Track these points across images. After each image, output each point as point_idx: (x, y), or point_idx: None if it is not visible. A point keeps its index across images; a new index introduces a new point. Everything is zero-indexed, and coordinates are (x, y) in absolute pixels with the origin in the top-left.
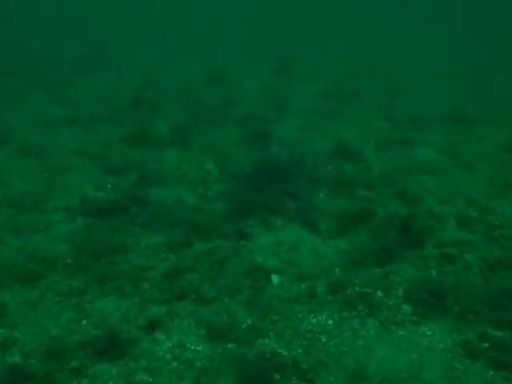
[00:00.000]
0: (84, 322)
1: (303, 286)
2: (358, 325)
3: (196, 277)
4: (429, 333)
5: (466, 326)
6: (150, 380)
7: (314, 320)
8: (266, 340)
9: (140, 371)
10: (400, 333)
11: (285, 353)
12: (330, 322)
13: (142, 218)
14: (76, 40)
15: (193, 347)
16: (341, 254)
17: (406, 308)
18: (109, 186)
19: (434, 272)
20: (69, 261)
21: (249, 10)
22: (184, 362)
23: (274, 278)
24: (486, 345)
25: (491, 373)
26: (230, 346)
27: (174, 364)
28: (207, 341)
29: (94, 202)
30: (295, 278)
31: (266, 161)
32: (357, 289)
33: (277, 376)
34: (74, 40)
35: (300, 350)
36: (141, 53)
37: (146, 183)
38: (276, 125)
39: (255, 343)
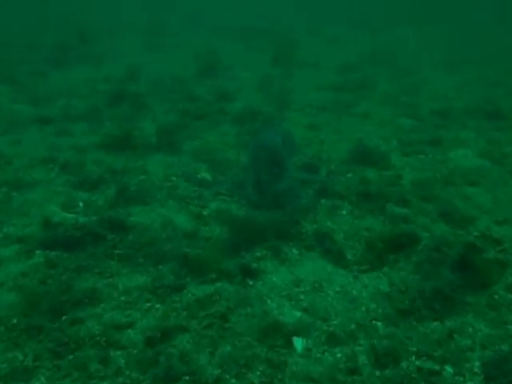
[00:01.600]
0: None
1: (338, 354)
2: None
3: (190, 342)
4: None
5: None
6: None
7: None
8: None
9: None
10: None
11: None
12: None
13: (120, 250)
14: (54, 27)
15: None
16: (380, 298)
17: None
18: (80, 204)
19: None
20: (15, 321)
21: None
22: None
23: (298, 343)
24: None
25: None
26: None
27: None
28: None
29: (60, 228)
30: (325, 339)
31: None
32: (416, 362)
33: None
34: (51, 27)
35: None
36: (126, 41)
37: (126, 200)
38: (280, 123)
39: None
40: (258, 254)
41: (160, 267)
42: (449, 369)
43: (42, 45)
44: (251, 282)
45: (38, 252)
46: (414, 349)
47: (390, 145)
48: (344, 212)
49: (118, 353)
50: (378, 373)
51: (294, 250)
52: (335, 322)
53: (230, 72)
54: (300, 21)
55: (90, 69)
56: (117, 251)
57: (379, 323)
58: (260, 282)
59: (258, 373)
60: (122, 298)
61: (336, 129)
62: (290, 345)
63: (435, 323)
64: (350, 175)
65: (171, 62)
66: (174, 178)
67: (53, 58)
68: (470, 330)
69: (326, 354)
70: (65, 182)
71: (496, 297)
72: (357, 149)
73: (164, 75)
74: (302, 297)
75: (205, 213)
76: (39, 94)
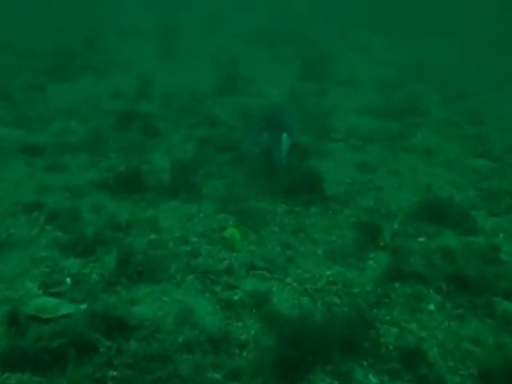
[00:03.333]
0: None
1: None
2: None
3: None
4: None
5: None
6: None
7: None
8: None
9: None
10: None
11: None
12: None
13: (116, 370)
14: (58, 28)
15: None
16: None
17: None
18: (67, 281)
19: None
20: None
21: None
22: None
23: None
24: None
25: None
26: None
27: None
28: None
29: (31, 330)
30: None
31: None
32: None
33: None
34: (55, 28)
35: None
36: (136, 47)
37: (129, 275)
38: (322, 160)
39: None
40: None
41: None
42: None
43: (43, 50)
44: None
45: None
46: None
47: (466, 195)
48: (432, 307)
49: None
50: None
51: (372, 379)
52: None
53: (254, 86)
54: (321, 22)
55: (94, 81)
56: (112, 372)
57: None
58: None
59: None
60: None
61: (394, 170)
62: None
63: None
64: (422, 239)
65: (187, 73)
66: (193, 239)
67: (53, 67)
68: None
69: None
70: (51, 242)
71: None
72: (425, 201)
73: (179, 90)
74: None
75: (236, 297)
76: (33, 113)
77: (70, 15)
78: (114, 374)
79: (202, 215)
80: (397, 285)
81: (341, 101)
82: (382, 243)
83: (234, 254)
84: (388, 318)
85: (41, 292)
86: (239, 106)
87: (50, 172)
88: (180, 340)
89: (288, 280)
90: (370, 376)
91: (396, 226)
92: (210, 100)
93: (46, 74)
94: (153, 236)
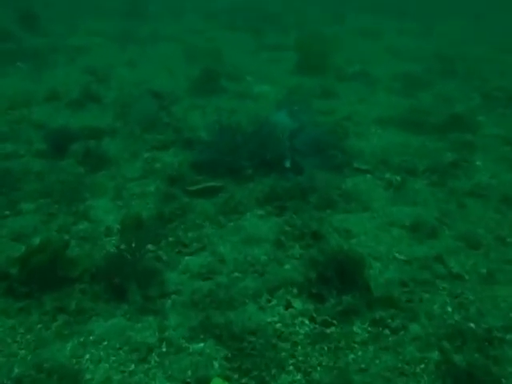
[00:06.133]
0: None
1: None
2: None
3: None
4: None
5: None
6: None
7: None
8: None
9: None
10: None
11: None
12: None
13: None
14: None
15: None
16: None
17: None
18: None
19: None
20: None
21: None
22: None
23: None
24: None
25: None
26: None
27: None
28: None
29: None
30: None
31: None
32: None
33: None
34: None
35: None
36: (88, 30)
37: None
38: (350, 211)
39: None
40: None
41: None
42: None
43: None
44: None
45: None
46: None
47: None
48: None
49: None
50: None
51: None
52: None
53: (240, 83)
54: (313, 2)
55: (28, 76)
56: None
57: None
58: None
59: None
60: None
61: (466, 234)
62: None
63: None
64: None
65: (152, 65)
66: None
67: None
68: None
69: None
70: None
71: None
72: None
73: (141, 90)
74: None
75: None
76: None
77: None
78: None
79: (164, 348)
80: None
81: (356, 105)
82: None
83: None
84: None
85: None
86: (223, 113)
87: None
88: None
89: None
90: None
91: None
92: (184, 103)
93: None
94: None
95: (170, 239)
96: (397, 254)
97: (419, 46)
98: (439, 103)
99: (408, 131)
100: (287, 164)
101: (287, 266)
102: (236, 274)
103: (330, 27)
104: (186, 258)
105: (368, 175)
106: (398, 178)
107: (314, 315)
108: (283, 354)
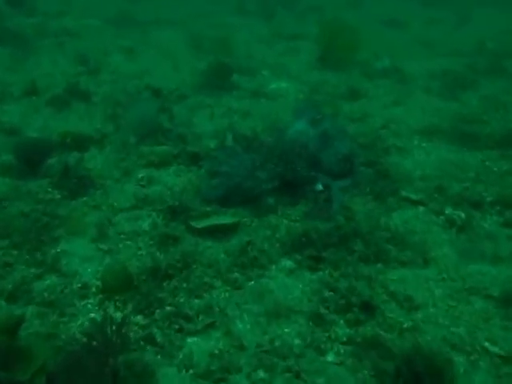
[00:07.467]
0: None
1: None
2: None
3: None
4: None
5: None
6: None
7: None
8: None
9: None
10: None
11: None
12: None
13: None
14: None
15: None
16: None
17: None
18: None
19: None
20: None
21: None
22: None
23: None
24: None
25: None
26: None
27: None
28: None
29: None
30: None
31: None
32: None
33: None
34: None
35: None
36: (87, 13)
37: None
38: (407, 266)
39: None
40: None
41: None
42: None
43: None
44: None
45: None
46: None
47: None
48: None
49: None
50: None
51: None
52: None
53: (254, 78)
54: None
55: (6, 64)
56: None
57: None
58: None
59: None
60: None
61: None
62: None
63: None
64: None
65: (153, 54)
66: None
67: None
68: None
69: None
70: None
71: None
72: None
73: (138, 85)
74: None
75: None
76: None
77: None
78: None
79: None
80: None
81: (391, 109)
82: None
83: None
84: None
85: None
86: (235, 116)
87: None
88: None
89: None
90: None
91: None
92: (188, 102)
93: None
94: None
95: (168, 308)
96: (487, 344)
97: (455, 38)
98: (490, 108)
99: (460, 145)
100: (319, 187)
101: (330, 358)
102: (261, 375)
103: (346, 12)
104: (189, 340)
105: (421, 207)
106: (461, 213)
107: None
108: None
